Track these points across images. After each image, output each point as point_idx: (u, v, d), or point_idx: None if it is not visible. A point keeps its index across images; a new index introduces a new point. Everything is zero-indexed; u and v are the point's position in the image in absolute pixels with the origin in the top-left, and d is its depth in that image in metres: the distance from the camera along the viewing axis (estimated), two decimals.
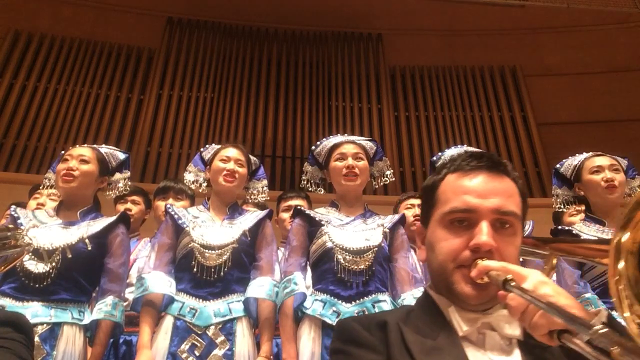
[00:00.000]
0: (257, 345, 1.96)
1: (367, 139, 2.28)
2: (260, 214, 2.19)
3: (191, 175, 2.26)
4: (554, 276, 2.32)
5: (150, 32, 6.58)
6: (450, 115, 6.46)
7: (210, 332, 1.87)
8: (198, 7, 6.77)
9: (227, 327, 1.89)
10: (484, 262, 0.78)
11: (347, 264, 1.92)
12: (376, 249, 1.96)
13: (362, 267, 1.92)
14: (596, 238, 2.02)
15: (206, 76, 6.41)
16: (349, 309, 1.86)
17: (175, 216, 2.11)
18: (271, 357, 1.90)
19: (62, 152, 2.18)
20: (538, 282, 0.71)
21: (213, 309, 1.92)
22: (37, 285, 1.81)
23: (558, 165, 2.37)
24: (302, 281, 1.95)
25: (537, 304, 0.63)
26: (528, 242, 1.14)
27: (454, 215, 0.85)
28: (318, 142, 2.28)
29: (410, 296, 1.87)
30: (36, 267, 1.83)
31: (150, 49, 6.56)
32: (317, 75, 6.66)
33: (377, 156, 2.26)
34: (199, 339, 1.86)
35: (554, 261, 1.06)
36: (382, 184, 2.27)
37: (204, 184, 2.26)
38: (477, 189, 0.85)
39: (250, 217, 2.16)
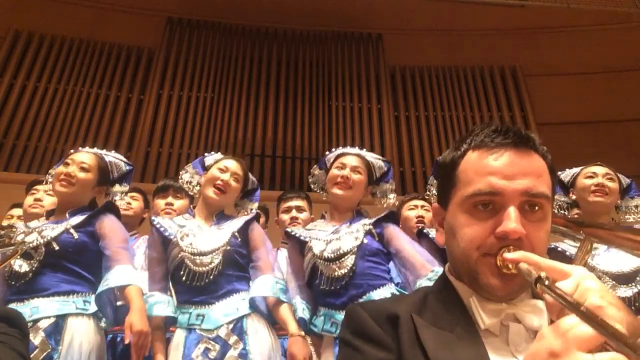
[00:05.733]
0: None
1: (382, 158, 2.25)
2: (247, 216, 2.19)
3: (187, 175, 2.26)
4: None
5: (150, 32, 6.59)
6: (450, 115, 6.47)
7: (222, 334, 1.86)
8: (198, 7, 6.78)
9: (238, 327, 1.89)
10: (513, 253, 0.70)
11: (329, 272, 1.92)
12: (355, 249, 1.94)
13: (344, 271, 1.91)
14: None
15: (206, 76, 6.41)
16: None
17: (161, 228, 2.08)
18: (301, 331, 1.90)
19: (72, 150, 2.16)
20: (582, 282, 0.59)
21: (221, 311, 1.91)
22: (18, 283, 1.81)
23: (559, 172, 2.40)
24: (300, 305, 1.96)
25: (576, 313, 0.53)
26: (559, 222, 1.03)
27: (478, 199, 0.76)
28: (333, 149, 2.29)
29: (426, 281, 1.82)
30: (20, 266, 1.83)
31: (150, 49, 6.57)
32: (317, 75, 6.66)
33: (385, 178, 2.22)
34: (211, 342, 1.84)
35: (589, 245, 0.93)
36: (383, 205, 2.22)
37: (197, 187, 2.25)
38: (503, 170, 0.75)
39: (238, 221, 2.16)
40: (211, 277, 1.95)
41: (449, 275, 0.84)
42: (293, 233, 2.13)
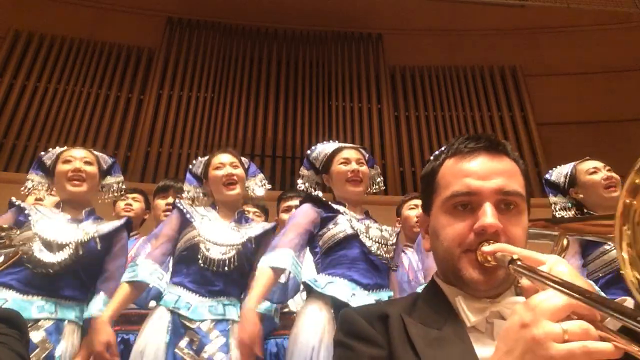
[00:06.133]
0: None
1: (359, 146, 2.30)
2: (267, 225, 2.22)
3: (190, 193, 2.27)
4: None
5: (150, 32, 6.58)
6: (450, 115, 6.46)
7: (204, 328, 1.88)
8: (198, 7, 6.78)
9: (222, 325, 1.90)
10: (490, 246, 0.76)
11: (374, 250, 1.98)
12: (394, 246, 2.06)
13: (388, 256, 2.00)
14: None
15: (206, 76, 6.41)
16: (368, 297, 1.87)
17: (184, 210, 2.13)
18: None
19: (42, 153, 2.16)
20: (554, 267, 0.66)
21: (208, 306, 1.92)
22: (43, 272, 1.81)
23: (547, 175, 2.37)
24: (290, 257, 1.88)
25: (547, 283, 0.59)
26: (539, 224, 1.09)
27: (456, 199, 0.82)
28: (313, 147, 2.29)
29: None
30: (46, 256, 1.84)
31: (150, 49, 6.57)
32: (317, 75, 6.66)
33: (369, 164, 2.27)
34: (194, 333, 1.86)
35: (565, 242, 1.00)
36: (372, 191, 2.29)
37: (204, 198, 2.26)
38: (477, 171, 0.82)
39: (257, 227, 2.19)
40: (223, 268, 1.97)
41: (436, 278, 0.89)
42: (324, 199, 2.11)
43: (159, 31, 6.65)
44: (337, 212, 2.04)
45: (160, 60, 6.44)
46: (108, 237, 2.01)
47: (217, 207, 2.20)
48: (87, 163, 2.07)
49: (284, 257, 1.85)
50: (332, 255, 1.98)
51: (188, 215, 2.10)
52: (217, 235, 2.04)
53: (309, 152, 2.29)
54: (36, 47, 6.22)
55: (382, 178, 2.31)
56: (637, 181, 0.55)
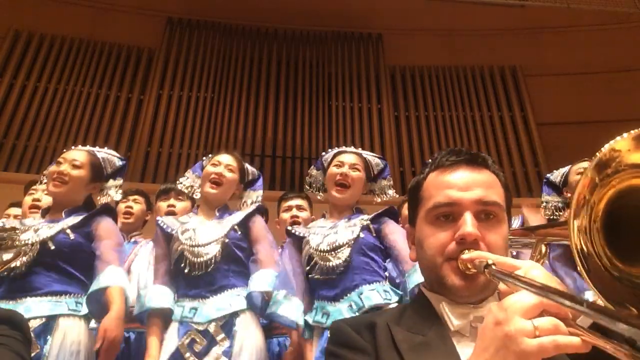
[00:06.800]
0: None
1: (377, 156, 2.29)
2: (248, 209, 2.20)
3: (188, 181, 2.28)
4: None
5: (150, 32, 6.58)
6: (450, 115, 6.47)
7: (211, 329, 1.88)
8: (198, 7, 6.78)
9: (228, 324, 1.90)
10: (469, 254, 0.80)
11: (324, 262, 1.94)
12: (352, 242, 1.95)
13: (338, 262, 1.92)
14: None
15: (206, 76, 6.41)
16: (336, 307, 1.87)
17: (164, 226, 2.14)
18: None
19: (64, 150, 2.18)
20: (529, 272, 0.70)
21: (214, 306, 1.93)
22: (10, 275, 1.80)
23: (548, 175, 2.45)
24: (300, 307, 1.96)
25: (518, 284, 0.63)
26: (517, 233, 1.14)
27: (438, 210, 0.87)
28: (329, 149, 2.32)
29: (414, 272, 1.80)
30: (14, 262, 1.81)
31: (150, 49, 6.56)
32: (317, 75, 6.66)
33: (383, 174, 2.26)
34: (199, 335, 1.87)
35: (543, 248, 1.04)
36: (381, 200, 2.25)
37: (198, 190, 2.27)
38: (458, 183, 0.86)
39: (239, 214, 2.18)
40: (209, 268, 1.97)
41: (422, 288, 0.93)
42: (293, 231, 2.15)
43: (159, 31, 6.65)
44: (302, 237, 2.07)
45: (160, 60, 6.44)
46: (82, 225, 1.98)
47: (198, 210, 2.22)
48: (75, 167, 2.05)
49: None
50: (311, 278, 2.00)
51: (168, 230, 2.11)
52: (200, 237, 2.04)
53: (324, 153, 2.33)
54: (36, 47, 6.22)
55: (393, 191, 2.28)
56: (595, 180, 0.65)
